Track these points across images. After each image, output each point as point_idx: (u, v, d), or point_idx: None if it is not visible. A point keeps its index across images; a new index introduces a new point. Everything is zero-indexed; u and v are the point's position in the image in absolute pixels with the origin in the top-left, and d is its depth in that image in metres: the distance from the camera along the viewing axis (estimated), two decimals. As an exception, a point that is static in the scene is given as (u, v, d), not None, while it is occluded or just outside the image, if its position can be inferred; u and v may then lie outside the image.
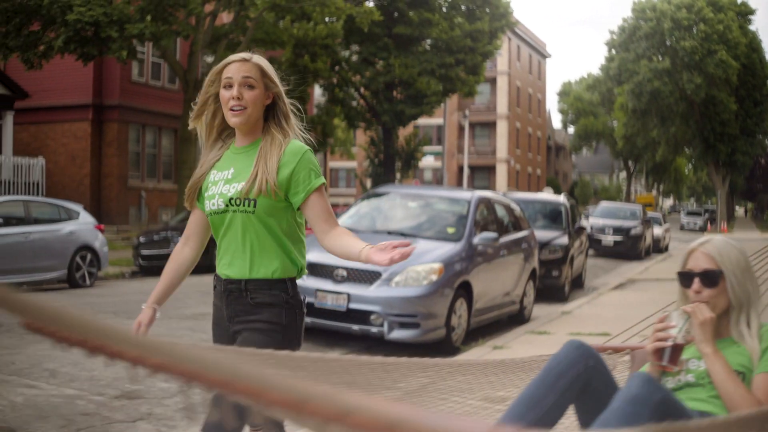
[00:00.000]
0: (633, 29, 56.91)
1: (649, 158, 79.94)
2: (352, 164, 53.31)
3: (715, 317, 2.97)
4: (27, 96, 25.78)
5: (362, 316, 9.37)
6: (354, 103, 32.73)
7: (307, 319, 9.83)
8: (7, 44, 21.40)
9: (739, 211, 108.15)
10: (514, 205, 13.40)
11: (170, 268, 3.50)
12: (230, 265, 3.34)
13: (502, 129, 64.99)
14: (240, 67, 3.30)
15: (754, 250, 4.30)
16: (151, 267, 17.87)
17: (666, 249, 35.93)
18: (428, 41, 32.52)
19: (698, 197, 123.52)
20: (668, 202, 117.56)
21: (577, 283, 17.95)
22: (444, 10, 31.93)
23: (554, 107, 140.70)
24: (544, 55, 76.06)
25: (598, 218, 30.12)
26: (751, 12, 59.49)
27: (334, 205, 44.14)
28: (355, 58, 32.11)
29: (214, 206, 3.34)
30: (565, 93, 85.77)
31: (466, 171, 49.08)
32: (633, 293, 15.60)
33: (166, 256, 4.55)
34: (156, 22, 20.06)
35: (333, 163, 61.91)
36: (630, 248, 29.19)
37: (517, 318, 12.36)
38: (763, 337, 3.01)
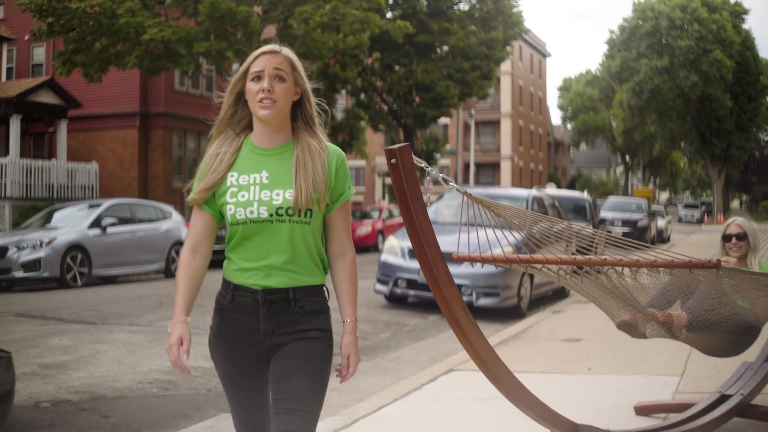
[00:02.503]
0: (633, 29, 59.72)
1: (646, 153, 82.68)
2: (361, 162, 55.84)
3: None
4: (79, 105, 28.45)
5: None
6: (377, 107, 35.41)
7: (411, 291, 12.73)
8: (73, 59, 24.11)
9: (735, 203, 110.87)
10: (556, 202, 16.27)
11: (186, 277, 3.23)
12: (269, 276, 3.16)
13: (506, 127, 67.75)
14: (271, 59, 3.18)
15: None
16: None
17: (668, 239, 38.75)
18: (446, 48, 35.32)
19: (693, 190, 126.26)
20: (664, 196, 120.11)
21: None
22: (461, 19, 34.67)
23: (553, 104, 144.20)
24: (544, 55, 78.82)
25: (607, 211, 32.79)
26: (745, 12, 62.48)
27: (354, 204, 46.84)
28: (377, 65, 34.80)
29: (253, 214, 3.12)
30: (565, 88, 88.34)
31: (472, 168, 51.71)
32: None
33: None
34: (218, 39, 22.83)
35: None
36: (637, 239, 31.74)
37: (559, 293, 15.16)
38: (761, 266, 5.78)
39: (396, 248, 13.14)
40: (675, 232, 44.46)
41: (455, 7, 34.65)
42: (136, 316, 11.73)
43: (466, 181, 59.27)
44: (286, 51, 3.23)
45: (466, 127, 58.52)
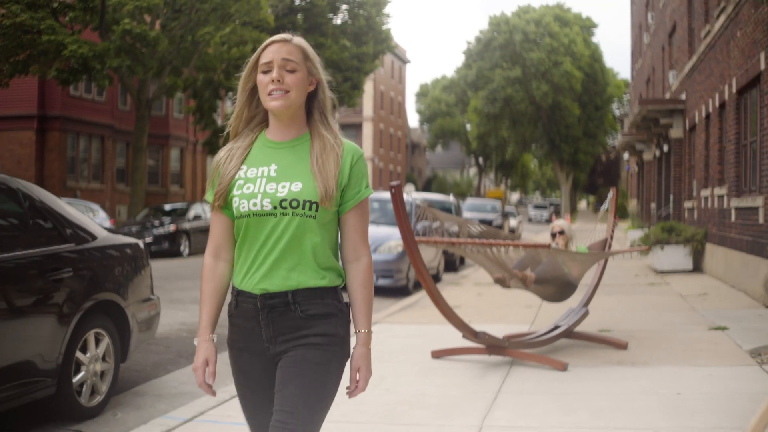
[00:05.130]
0: (488, 41, 65.06)
1: (499, 155, 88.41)
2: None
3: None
4: (-23, 107, 31.30)
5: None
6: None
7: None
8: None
9: (582, 204, 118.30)
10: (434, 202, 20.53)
11: (210, 288, 3.20)
12: (267, 277, 3.07)
13: (367, 130, 72.22)
14: (280, 48, 3.10)
15: (595, 239, 11.15)
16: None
17: (519, 237, 43.58)
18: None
19: (543, 191, 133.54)
20: (515, 196, 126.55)
21: (462, 261, 25.13)
22: (335, 35, 38.67)
23: (411, 107, 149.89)
24: (404, 61, 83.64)
25: (467, 212, 37.28)
26: (594, 26, 68.92)
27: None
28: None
29: (256, 207, 3.04)
30: (422, 94, 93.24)
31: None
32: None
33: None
34: (129, 56, 26.21)
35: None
36: (493, 237, 36.56)
37: (436, 277, 19.34)
38: (578, 248, 10.00)
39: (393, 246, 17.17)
40: (525, 231, 49.68)
41: (330, 23, 38.55)
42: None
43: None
44: (298, 40, 3.17)
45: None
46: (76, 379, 6.38)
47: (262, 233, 3.07)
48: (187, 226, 26.85)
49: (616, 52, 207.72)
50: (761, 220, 13.21)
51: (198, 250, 26.26)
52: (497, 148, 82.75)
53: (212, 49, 28.84)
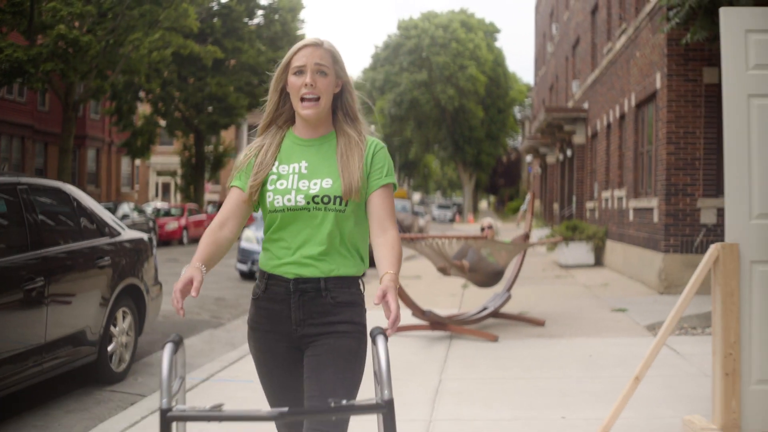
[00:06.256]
0: (397, 45, 67.03)
1: (402, 155, 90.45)
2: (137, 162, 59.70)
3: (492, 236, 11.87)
4: None
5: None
6: (174, 115, 40.27)
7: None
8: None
9: (483, 203, 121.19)
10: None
11: (210, 241, 3.27)
12: (302, 265, 3.25)
13: (275, 130, 73.40)
14: (313, 52, 3.26)
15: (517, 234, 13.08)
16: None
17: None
18: (233, 62, 40.70)
19: (444, 191, 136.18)
20: (417, 196, 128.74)
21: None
22: (251, 39, 40.12)
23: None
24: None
25: (379, 212, 38.91)
26: (497, 31, 71.46)
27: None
28: (175, 77, 39.67)
29: (290, 202, 3.23)
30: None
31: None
32: (415, 261, 24.70)
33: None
34: (61, 60, 27.31)
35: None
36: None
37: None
38: (504, 241, 11.89)
39: (252, 238, 18.66)
40: (433, 230, 51.72)
41: (247, 28, 39.95)
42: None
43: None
44: (328, 44, 3.31)
45: (237, 128, 63.63)
46: (109, 349, 7.94)
47: (296, 226, 3.27)
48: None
49: (519, 56, 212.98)
50: (656, 219, 15.28)
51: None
52: (401, 148, 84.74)
53: (135, 54, 30.02)
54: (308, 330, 3.26)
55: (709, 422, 5.65)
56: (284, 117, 3.42)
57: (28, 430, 6.40)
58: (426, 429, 6.07)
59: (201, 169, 42.54)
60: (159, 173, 60.99)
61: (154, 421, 6.22)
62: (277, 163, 3.33)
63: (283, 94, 3.38)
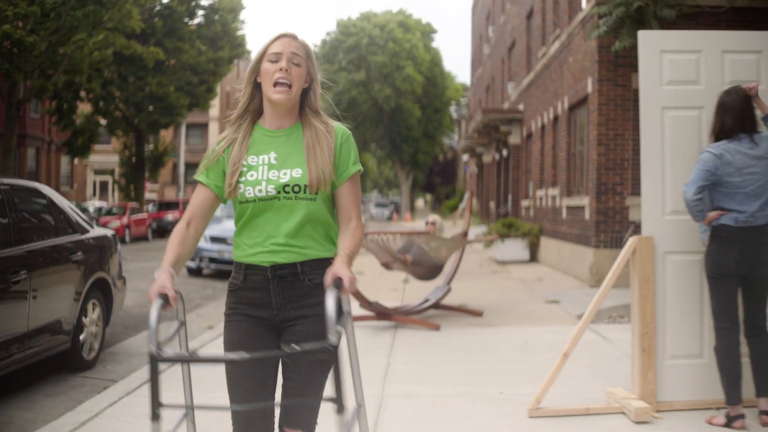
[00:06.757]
0: (337, 43, 67.59)
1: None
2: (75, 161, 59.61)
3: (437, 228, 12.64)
4: None
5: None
6: (115, 114, 40.47)
7: (212, 265, 18.90)
8: None
9: (419, 202, 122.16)
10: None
11: (178, 241, 3.37)
12: (276, 252, 3.37)
13: (213, 130, 73.50)
14: (290, 42, 3.41)
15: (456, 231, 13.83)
16: None
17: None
18: (173, 61, 40.97)
19: (381, 190, 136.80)
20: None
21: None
22: (191, 39, 40.45)
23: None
24: (250, 62, 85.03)
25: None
26: (434, 32, 72.36)
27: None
28: (116, 76, 39.86)
29: (261, 192, 3.35)
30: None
31: (182, 168, 57.24)
32: (357, 258, 25.37)
33: None
34: (6, 60, 27.51)
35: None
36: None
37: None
38: (445, 237, 12.67)
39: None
40: (371, 228, 52.35)
41: (187, 28, 40.25)
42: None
43: (175, 181, 64.41)
44: (302, 38, 3.46)
45: (176, 128, 63.87)
46: (81, 338, 8.53)
47: (267, 215, 3.38)
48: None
49: (456, 56, 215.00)
50: (587, 216, 16.18)
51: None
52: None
53: (79, 53, 30.25)
54: (288, 314, 3.42)
55: (629, 393, 6.47)
56: (251, 111, 3.52)
57: (14, 411, 6.98)
58: (379, 404, 6.78)
59: (141, 169, 42.82)
60: (97, 172, 60.97)
61: (131, 401, 6.86)
62: (246, 155, 3.43)
63: (256, 86, 3.49)
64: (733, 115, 5.87)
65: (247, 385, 3.43)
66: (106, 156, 57.96)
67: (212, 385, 5.82)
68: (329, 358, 3.12)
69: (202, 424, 4.06)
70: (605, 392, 6.71)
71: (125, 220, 34.70)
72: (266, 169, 3.38)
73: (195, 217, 3.45)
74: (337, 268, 3.20)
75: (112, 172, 52.15)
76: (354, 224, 3.46)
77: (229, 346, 3.46)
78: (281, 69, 3.35)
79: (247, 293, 3.44)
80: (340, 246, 3.39)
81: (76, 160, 51.77)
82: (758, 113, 6.03)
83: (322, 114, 3.53)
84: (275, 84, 3.37)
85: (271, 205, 3.36)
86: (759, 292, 5.95)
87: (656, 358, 6.34)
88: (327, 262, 3.41)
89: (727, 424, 5.86)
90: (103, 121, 40.25)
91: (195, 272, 19.41)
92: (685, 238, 6.36)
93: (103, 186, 62.17)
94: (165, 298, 3.12)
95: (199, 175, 3.50)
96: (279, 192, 3.35)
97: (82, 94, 37.50)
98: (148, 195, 54.81)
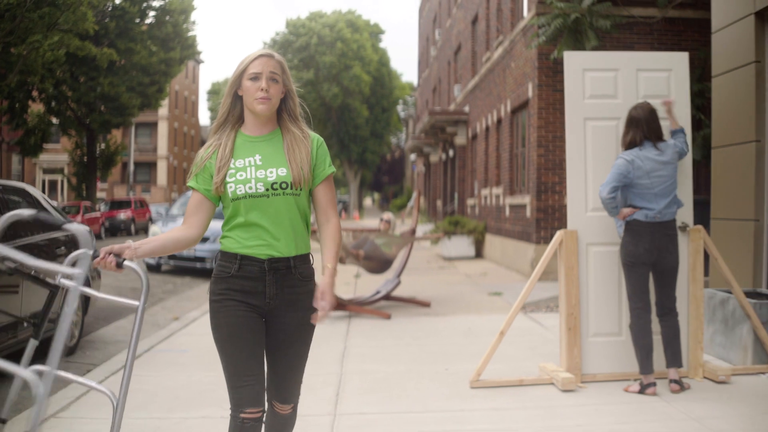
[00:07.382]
0: (287, 43, 68.04)
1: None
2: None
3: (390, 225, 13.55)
4: None
5: (202, 258, 19.27)
6: (67, 114, 40.74)
7: (171, 262, 19.62)
8: None
9: (368, 201, 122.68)
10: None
11: (166, 236, 3.74)
12: (271, 246, 3.68)
13: (162, 129, 73.75)
14: (268, 61, 3.73)
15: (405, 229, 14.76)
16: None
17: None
18: (129, 63, 41.35)
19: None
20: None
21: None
22: (143, 40, 40.85)
23: (204, 105, 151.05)
24: (198, 61, 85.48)
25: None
26: (382, 32, 73.15)
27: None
28: (67, 76, 40.10)
29: (252, 189, 3.64)
30: (214, 92, 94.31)
31: (131, 167, 57.52)
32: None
33: None
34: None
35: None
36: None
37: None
38: (395, 234, 13.58)
39: (158, 233, 19.94)
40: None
41: (139, 28, 40.59)
42: None
43: (124, 180, 64.55)
44: (278, 57, 3.80)
45: (126, 127, 64.01)
46: (63, 325, 9.32)
47: (259, 211, 3.67)
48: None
49: (402, 53, 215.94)
50: (528, 214, 17.16)
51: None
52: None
53: (33, 54, 30.62)
54: (278, 302, 3.73)
55: (558, 366, 7.45)
56: (234, 118, 3.84)
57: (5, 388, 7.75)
58: (339, 380, 7.68)
59: (93, 168, 43.25)
60: (46, 171, 61.06)
61: (117, 380, 7.67)
62: (232, 160, 3.72)
63: (235, 98, 3.82)
64: (641, 127, 6.87)
65: (247, 365, 3.71)
66: (55, 155, 58.13)
67: (195, 369, 6.55)
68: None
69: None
70: (538, 367, 7.68)
71: (79, 218, 35.14)
72: (254, 170, 3.68)
73: (191, 219, 3.79)
74: (325, 288, 3.72)
75: (61, 171, 52.37)
76: (333, 226, 3.84)
77: (225, 329, 3.69)
78: (261, 89, 3.69)
79: (241, 281, 3.68)
80: (326, 257, 3.80)
81: (25, 160, 51.88)
82: (669, 125, 7.11)
83: (301, 120, 3.88)
84: (257, 98, 3.72)
85: (261, 202, 3.65)
86: (667, 277, 6.97)
87: (581, 336, 7.32)
88: (309, 255, 3.84)
89: (641, 391, 6.86)
90: (55, 121, 40.52)
91: (154, 268, 20.13)
92: (604, 231, 7.36)
93: (52, 185, 62.17)
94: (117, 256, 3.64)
95: (189, 182, 3.83)
96: (268, 189, 3.65)
97: (34, 93, 37.74)
98: (98, 194, 55.08)
